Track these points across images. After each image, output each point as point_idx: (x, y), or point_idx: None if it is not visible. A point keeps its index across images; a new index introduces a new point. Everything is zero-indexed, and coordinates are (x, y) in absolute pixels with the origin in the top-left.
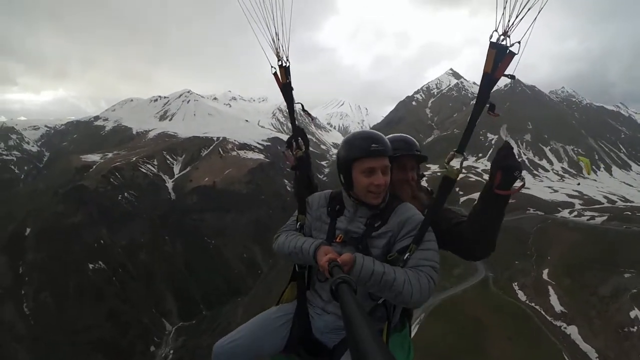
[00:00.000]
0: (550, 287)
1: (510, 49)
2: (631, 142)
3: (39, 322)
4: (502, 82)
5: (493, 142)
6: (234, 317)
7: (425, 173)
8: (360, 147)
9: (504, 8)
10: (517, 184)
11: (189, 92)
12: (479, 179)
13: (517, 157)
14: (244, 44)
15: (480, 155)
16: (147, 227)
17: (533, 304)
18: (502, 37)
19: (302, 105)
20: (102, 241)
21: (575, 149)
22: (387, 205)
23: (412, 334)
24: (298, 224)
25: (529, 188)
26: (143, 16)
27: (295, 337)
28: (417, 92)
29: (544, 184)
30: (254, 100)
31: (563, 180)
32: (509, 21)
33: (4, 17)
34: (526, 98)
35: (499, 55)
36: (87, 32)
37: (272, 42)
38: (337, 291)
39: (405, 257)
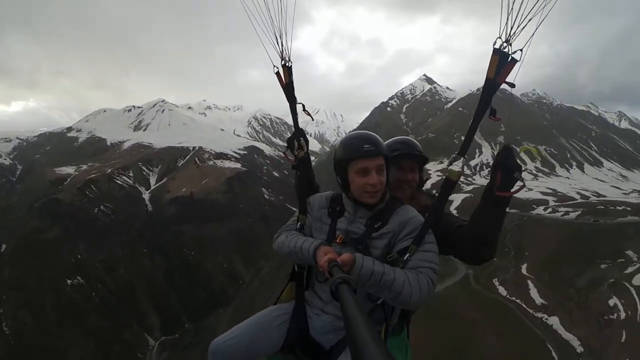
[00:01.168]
0: (529, 282)
1: (512, 56)
2: (602, 140)
3: (20, 342)
4: (474, 85)
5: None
6: (218, 329)
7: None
8: (353, 148)
9: (508, 16)
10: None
11: (163, 101)
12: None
13: (516, 158)
14: (218, 52)
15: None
16: (125, 240)
17: (514, 298)
18: (504, 44)
19: (304, 106)
20: (79, 256)
21: (548, 148)
22: (387, 206)
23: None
24: (298, 223)
25: (531, 189)
26: (115, 24)
27: (292, 336)
28: (391, 98)
29: (517, 183)
30: (229, 109)
31: (537, 179)
32: (511, 29)
33: None
34: (498, 101)
35: (502, 62)
36: (58, 39)
37: (275, 42)
38: (336, 291)
39: (405, 258)
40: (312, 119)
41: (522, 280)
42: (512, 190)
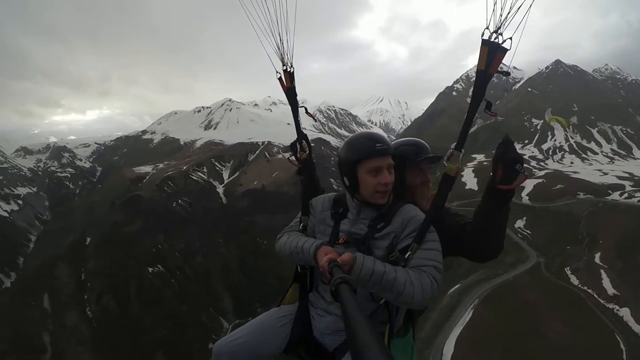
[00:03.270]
0: (602, 271)
1: (502, 45)
2: None
3: (102, 325)
4: (543, 63)
5: (539, 127)
6: None
7: (469, 164)
8: (364, 147)
9: (494, 6)
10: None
11: (230, 100)
12: (526, 165)
13: (517, 150)
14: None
15: (526, 141)
16: (202, 231)
17: (585, 288)
18: (493, 34)
19: (306, 108)
20: (159, 246)
21: (624, 129)
22: (390, 206)
23: (466, 320)
24: (301, 225)
25: (578, 172)
26: (177, 29)
27: (296, 337)
28: (456, 82)
29: (593, 167)
30: None
31: (613, 162)
32: (500, 18)
33: (43, 42)
34: (569, 79)
35: (492, 52)
36: (124, 49)
37: (277, 48)
38: (337, 291)
39: (407, 256)
40: (315, 121)
41: (595, 269)
42: (514, 183)
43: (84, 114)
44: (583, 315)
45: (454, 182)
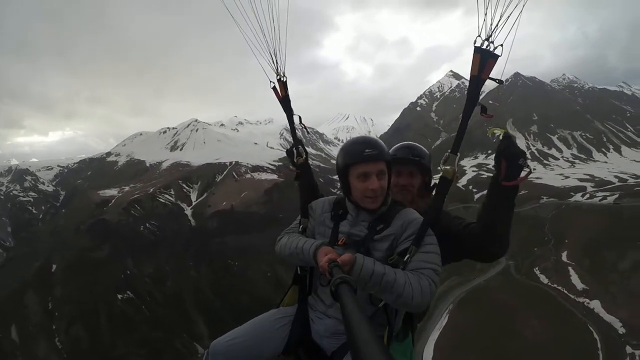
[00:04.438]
0: (570, 268)
1: (494, 52)
2: (638, 119)
3: (72, 356)
4: (503, 76)
5: (500, 137)
6: None
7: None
8: (354, 152)
9: (485, 14)
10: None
11: (196, 121)
12: (491, 174)
13: (518, 144)
14: (245, 68)
15: (489, 151)
16: (171, 255)
17: (555, 285)
18: (485, 41)
19: (300, 118)
20: (128, 272)
21: (583, 134)
22: (390, 209)
23: (442, 324)
24: (300, 227)
25: (540, 177)
26: (144, 50)
27: (294, 340)
28: (420, 98)
29: (555, 172)
30: (260, 123)
31: (574, 166)
32: (490, 26)
33: (6, 60)
34: (528, 90)
35: (484, 59)
36: (91, 69)
37: (270, 59)
38: (337, 291)
39: (406, 259)
40: (307, 132)
41: (563, 267)
42: (518, 178)
43: (47, 135)
44: (555, 310)
45: (451, 184)
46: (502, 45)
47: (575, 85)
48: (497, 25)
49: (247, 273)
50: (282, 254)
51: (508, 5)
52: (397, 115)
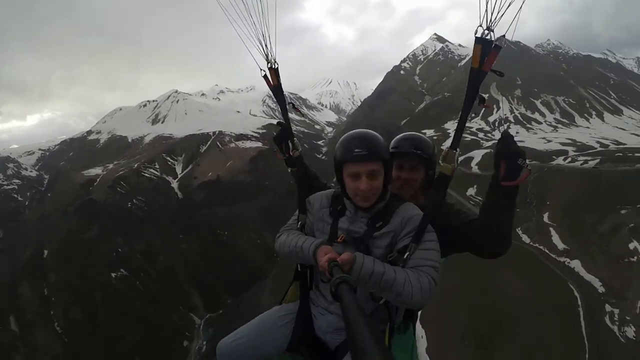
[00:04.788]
0: (551, 229)
1: (495, 43)
2: (621, 87)
3: (73, 339)
4: None
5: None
6: (260, 300)
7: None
8: (346, 150)
9: (486, 3)
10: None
11: (176, 92)
12: (474, 137)
13: (516, 143)
14: (224, 35)
15: (473, 115)
16: (161, 229)
17: (537, 245)
18: (486, 31)
19: (293, 104)
20: (119, 250)
21: (566, 99)
22: (389, 205)
23: None
24: (299, 223)
25: (523, 141)
26: (118, 23)
27: (297, 336)
28: (403, 61)
29: (537, 136)
30: (241, 91)
31: (557, 131)
32: (492, 15)
33: None
34: (512, 54)
35: (485, 50)
36: (64, 48)
37: (259, 46)
38: (336, 291)
39: (405, 256)
40: (302, 115)
41: (544, 228)
42: (518, 178)
43: (25, 120)
44: (537, 268)
45: (450, 180)
46: (504, 35)
47: (560, 51)
48: (498, 14)
49: (237, 242)
50: (281, 252)
51: None
52: (381, 79)
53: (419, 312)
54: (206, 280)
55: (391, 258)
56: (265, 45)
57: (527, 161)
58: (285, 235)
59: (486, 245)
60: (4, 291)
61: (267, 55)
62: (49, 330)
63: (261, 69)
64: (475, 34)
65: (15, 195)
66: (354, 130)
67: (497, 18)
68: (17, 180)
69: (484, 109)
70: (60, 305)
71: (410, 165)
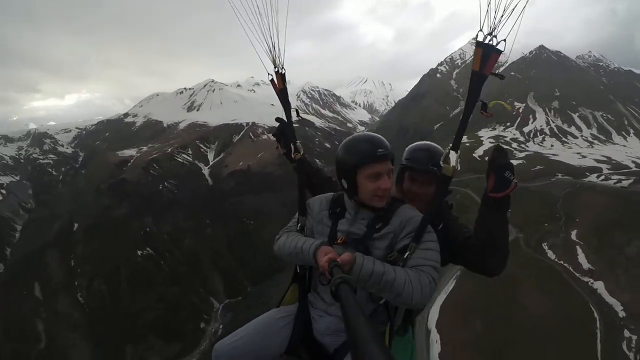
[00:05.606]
0: (578, 247)
1: (496, 47)
2: None
3: (94, 310)
4: (527, 48)
5: (521, 110)
6: (278, 291)
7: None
8: (365, 152)
9: (487, 8)
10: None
11: (212, 81)
12: (508, 147)
13: (507, 157)
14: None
15: (508, 124)
16: (189, 213)
17: (562, 262)
18: (488, 36)
19: (297, 111)
20: (147, 229)
21: (604, 114)
22: (389, 207)
23: (449, 289)
24: (298, 225)
25: (557, 155)
26: (158, 9)
27: (296, 338)
28: (440, 64)
29: (572, 151)
30: None
31: (592, 147)
32: (493, 20)
33: (16, 27)
34: (552, 64)
35: (486, 54)
36: (102, 31)
37: (268, 51)
38: (337, 291)
39: (405, 256)
40: (300, 118)
41: (571, 246)
42: (504, 191)
43: (63, 99)
44: (559, 286)
45: (451, 181)
46: (505, 40)
47: (601, 64)
48: (500, 19)
49: (262, 232)
50: (281, 254)
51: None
52: (416, 81)
53: (428, 316)
54: (229, 267)
55: (391, 258)
56: (274, 51)
57: (513, 175)
58: (285, 236)
59: (482, 261)
60: (32, 259)
61: (275, 60)
62: (71, 300)
63: (269, 73)
64: (476, 37)
65: (50, 170)
66: (359, 134)
67: (498, 24)
68: (52, 156)
69: (487, 116)
70: (85, 276)
71: (422, 180)
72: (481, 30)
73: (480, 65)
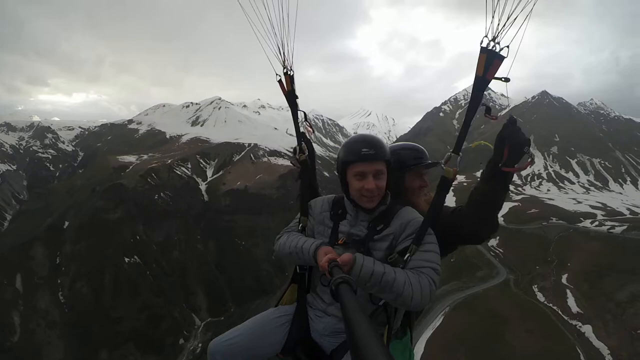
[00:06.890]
0: (568, 291)
1: (499, 53)
2: None
3: (74, 310)
4: (529, 93)
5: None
6: None
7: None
8: (352, 151)
9: (492, 15)
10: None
11: (219, 99)
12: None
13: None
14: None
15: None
16: (181, 226)
17: (551, 305)
18: (491, 42)
19: (305, 114)
20: (138, 237)
21: (602, 162)
22: (389, 208)
23: (436, 325)
24: (300, 225)
25: (553, 199)
26: (176, 21)
27: (293, 338)
28: (444, 103)
29: (568, 196)
30: (282, 109)
31: (588, 193)
32: (497, 27)
33: (39, 14)
34: (554, 110)
35: (489, 59)
36: (120, 34)
37: (277, 52)
38: (337, 291)
39: (406, 258)
40: (313, 131)
41: (561, 289)
42: (517, 165)
43: (70, 96)
44: (547, 328)
45: (452, 184)
46: (508, 46)
47: (602, 112)
48: (504, 26)
49: (252, 253)
50: (281, 253)
51: (516, 6)
52: (420, 118)
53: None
54: (215, 285)
55: (391, 259)
56: (283, 51)
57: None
58: (286, 236)
59: (475, 229)
60: (18, 250)
61: (284, 62)
62: (52, 297)
63: (277, 74)
64: (481, 43)
65: (48, 165)
66: (359, 134)
67: (502, 31)
68: (52, 151)
69: (492, 119)
70: (69, 275)
71: (424, 173)
72: (486, 36)
73: (483, 70)
